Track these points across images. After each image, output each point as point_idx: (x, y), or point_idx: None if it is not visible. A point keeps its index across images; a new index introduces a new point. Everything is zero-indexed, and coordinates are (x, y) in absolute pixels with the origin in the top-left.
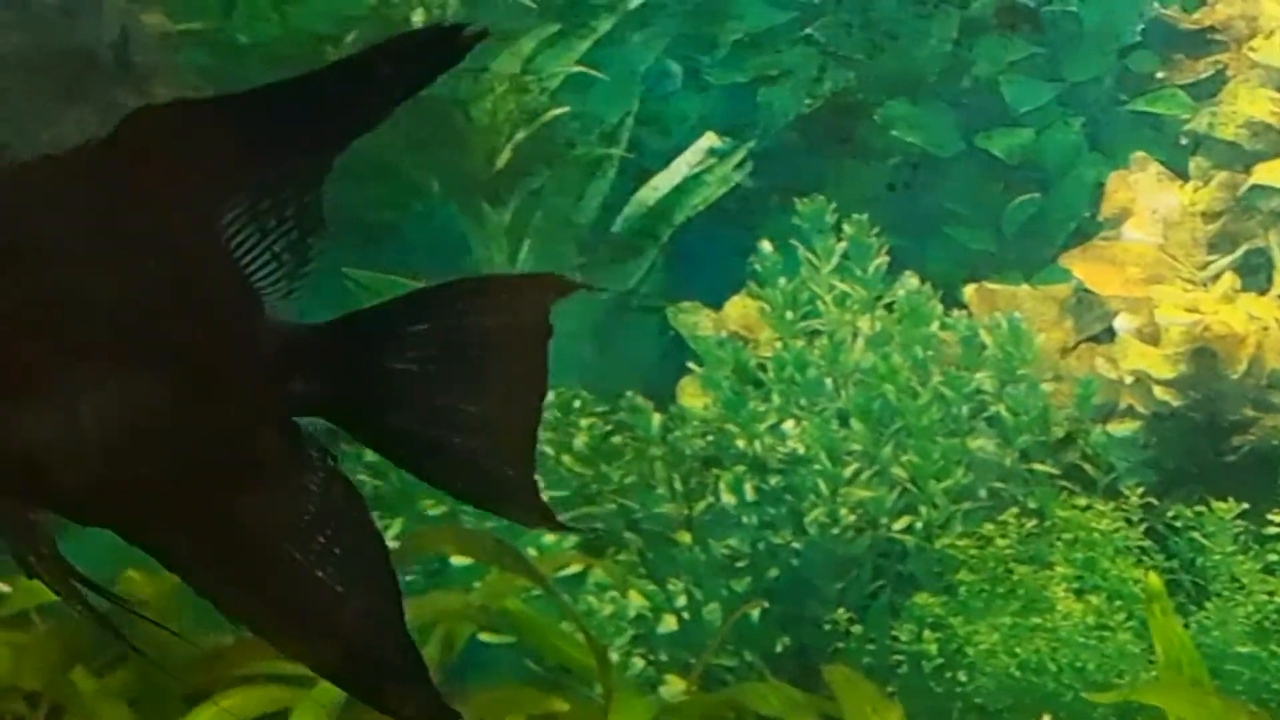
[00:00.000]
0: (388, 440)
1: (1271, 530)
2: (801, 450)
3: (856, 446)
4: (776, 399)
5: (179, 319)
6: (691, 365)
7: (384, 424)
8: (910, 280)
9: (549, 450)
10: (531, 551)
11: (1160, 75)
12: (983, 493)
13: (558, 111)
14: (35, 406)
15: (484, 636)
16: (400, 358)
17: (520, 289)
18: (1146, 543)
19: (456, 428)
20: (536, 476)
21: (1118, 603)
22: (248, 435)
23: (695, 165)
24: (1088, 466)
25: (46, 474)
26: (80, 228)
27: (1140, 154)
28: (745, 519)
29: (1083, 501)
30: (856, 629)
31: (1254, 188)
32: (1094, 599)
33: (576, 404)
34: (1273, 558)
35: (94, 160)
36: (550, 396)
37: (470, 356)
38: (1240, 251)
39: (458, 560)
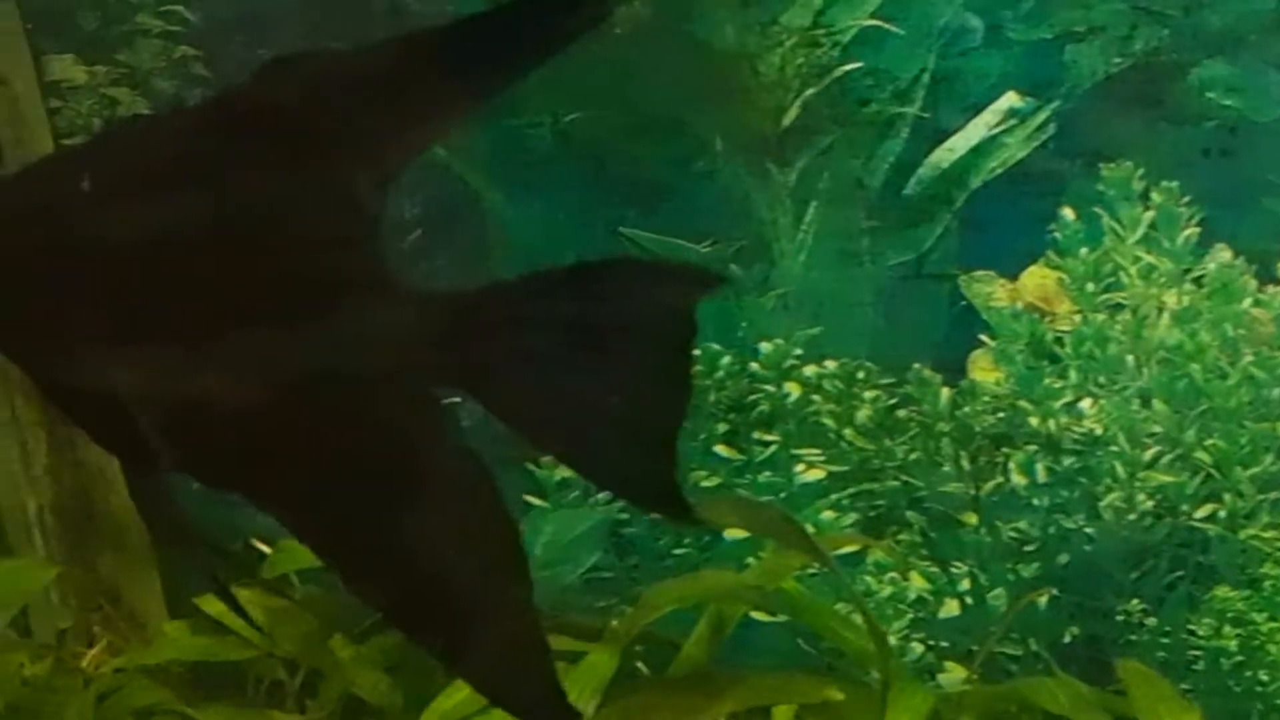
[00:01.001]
0: (523, 419)
1: None
2: (1099, 431)
3: (1158, 428)
4: (1074, 376)
5: (309, 282)
6: (984, 338)
7: (518, 403)
8: (1222, 253)
9: (830, 423)
10: (809, 528)
11: None
12: None
13: (850, 67)
14: (169, 368)
15: (756, 614)
16: (533, 336)
17: (661, 279)
18: None
19: (590, 414)
20: (676, 469)
21: None
22: (381, 403)
23: (994, 126)
24: None
25: (183, 442)
26: (210, 186)
27: None
28: (1036, 501)
29: None
30: (1151, 621)
31: None
32: None
33: (860, 375)
34: None
35: (226, 113)
36: (832, 366)
37: (605, 342)
38: None
39: (731, 534)
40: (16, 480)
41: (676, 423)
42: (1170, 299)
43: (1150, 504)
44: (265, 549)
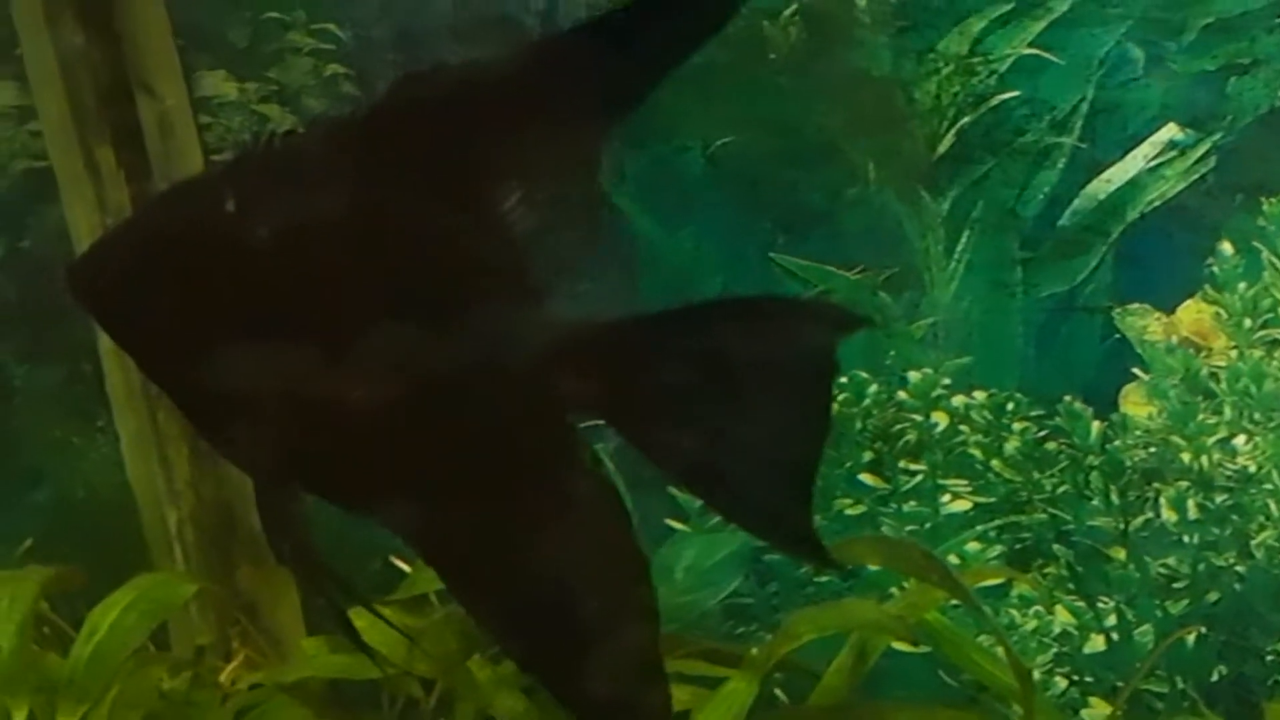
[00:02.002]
0: (659, 452)
1: None
2: (1252, 468)
3: None
4: (1228, 412)
5: (452, 304)
6: (1137, 371)
7: (656, 435)
8: None
9: (977, 454)
10: (953, 559)
11: None
12: None
13: (1006, 96)
14: (306, 387)
15: (897, 644)
16: (673, 371)
17: (802, 318)
18: None
19: (727, 451)
20: (811, 511)
21: None
22: (519, 430)
23: (1153, 158)
24: None
25: (315, 460)
26: (349, 202)
27: None
28: (1186, 538)
29: None
30: None
31: None
32: None
33: (1010, 407)
34: None
35: (362, 128)
36: (981, 397)
37: (743, 380)
38: None
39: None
40: (158, 494)
41: (814, 464)
42: None
43: None
44: (405, 568)
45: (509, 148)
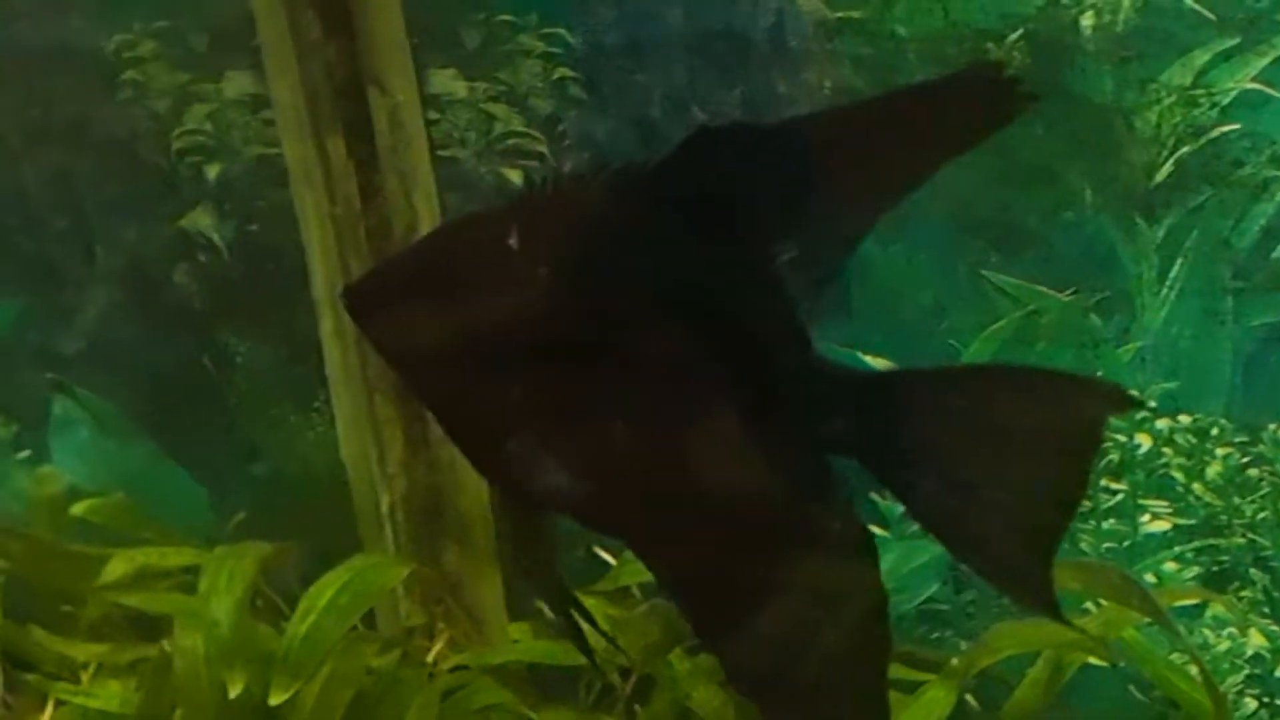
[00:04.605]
0: (908, 496)
1: None
2: None
3: None
4: None
5: (726, 344)
6: None
7: (907, 480)
8: None
9: (1179, 476)
10: (1150, 578)
11: None
12: None
13: (1227, 129)
14: (573, 415)
15: (1090, 660)
16: (932, 426)
17: (1074, 396)
18: None
19: (976, 505)
20: (1051, 570)
21: None
22: (780, 466)
23: None
24: None
25: (574, 490)
26: (631, 248)
27: None
28: None
29: None
30: None
31: None
32: None
33: (1214, 432)
34: None
35: (655, 177)
36: (1186, 421)
37: (1002, 443)
38: None
39: None
40: (371, 477)
41: (1063, 529)
42: None
43: None
44: (609, 559)
45: (793, 209)
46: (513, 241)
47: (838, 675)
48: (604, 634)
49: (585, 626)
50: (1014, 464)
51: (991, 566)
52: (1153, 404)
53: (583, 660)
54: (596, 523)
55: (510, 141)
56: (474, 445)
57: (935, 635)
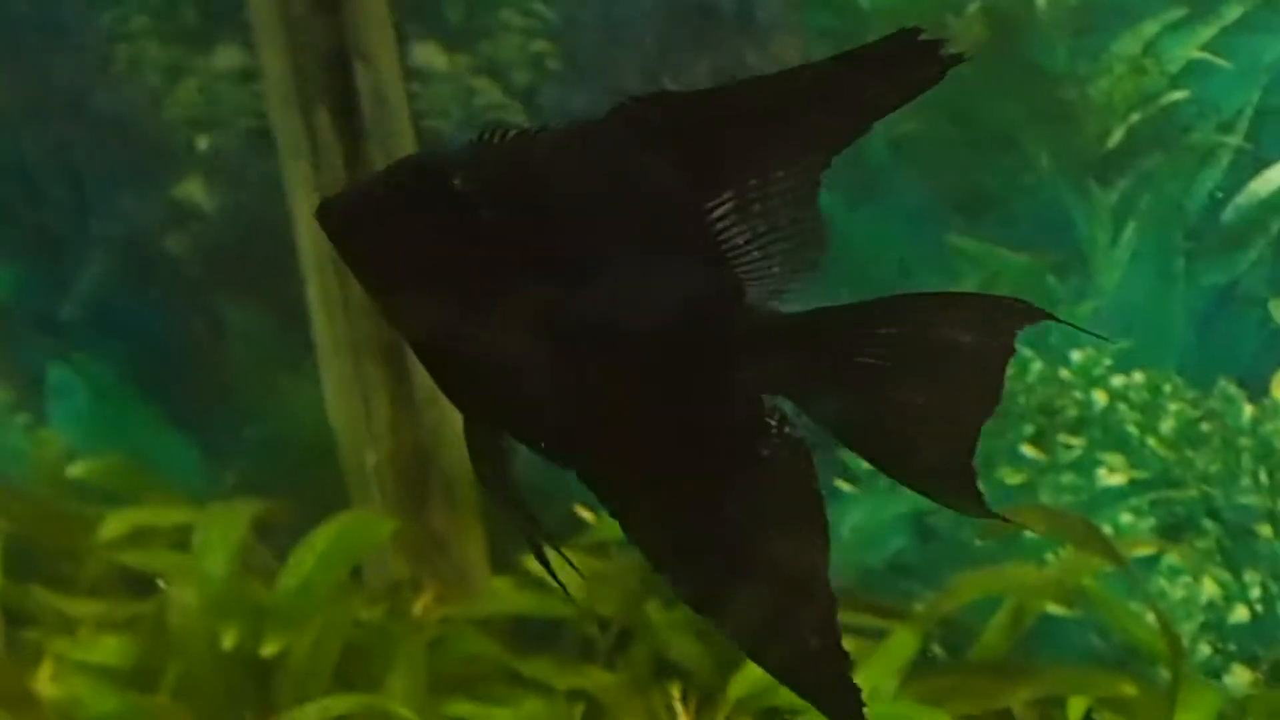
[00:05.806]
0: (840, 422)
1: None
2: None
3: None
4: None
5: (660, 295)
6: None
7: (840, 409)
8: None
9: (1134, 431)
10: (1107, 529)
11: None
12: None
13: (1176, 96)
14: (528, 349)
15: (1051, 608)
16: (866, 353)
17: (994, 312)
18: None
19: (903, 416)
20: (973, 464)
21: None
22: (715, 406)
23: None
24: None
25: (527, 412)
26: (575, 199)
27: None
28: None
29: None
30: None
31: None
32: None
33: (1167, 388)
34: None
35: (588, 141)
36: (1140, 378)
37: (931, 361)
38: None
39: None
40: (360, 436)
41: (979, 421)
42: None
43: None
44: (588, 516)
45: (714, 172)
46: (457, 182)
47: (781, 580)
48: (560, 552)
49: (552, 555)
50: (938, 380)
51: (924, 476)
52: (1108, 362)
53: (573, 607)
54: (539, 445)
55: (490, 113)
56: (427, 359)
57: (904, 587)
